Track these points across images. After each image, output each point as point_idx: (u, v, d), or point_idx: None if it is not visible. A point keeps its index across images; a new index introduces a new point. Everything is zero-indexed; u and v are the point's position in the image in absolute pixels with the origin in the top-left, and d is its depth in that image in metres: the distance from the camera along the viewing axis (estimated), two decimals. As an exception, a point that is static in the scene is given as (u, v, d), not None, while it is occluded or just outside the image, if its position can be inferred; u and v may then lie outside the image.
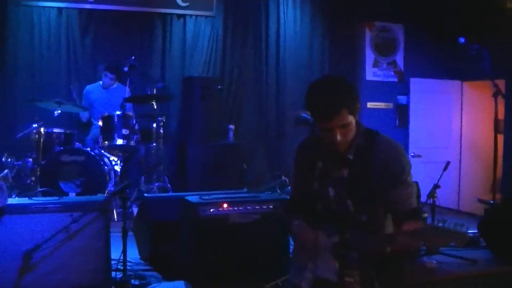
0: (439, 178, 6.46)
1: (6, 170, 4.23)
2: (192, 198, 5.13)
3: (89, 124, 9.38)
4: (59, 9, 10.03)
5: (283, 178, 10.41)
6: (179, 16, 10.60)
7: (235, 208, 5.00)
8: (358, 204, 3.28)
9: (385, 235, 3.05)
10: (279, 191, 10.09)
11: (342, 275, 3.25)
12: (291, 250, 5.47)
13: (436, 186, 6.40)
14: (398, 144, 3.38)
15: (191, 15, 10.65)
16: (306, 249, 3.38)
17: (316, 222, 3.36)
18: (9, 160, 8.36)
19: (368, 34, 11.33)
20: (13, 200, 5.52)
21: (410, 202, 3.28)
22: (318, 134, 3.42)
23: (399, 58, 11.52)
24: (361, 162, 3.29)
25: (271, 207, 5.12)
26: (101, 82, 9.34)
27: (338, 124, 3.21)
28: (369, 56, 11.38)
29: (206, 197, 5.11)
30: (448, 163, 6.69)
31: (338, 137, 3.23)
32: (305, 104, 3.34)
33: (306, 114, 3.27)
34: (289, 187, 10.40)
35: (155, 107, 8.59)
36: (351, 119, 3.25)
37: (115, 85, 9.33)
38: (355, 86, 3.34)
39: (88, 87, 9.43)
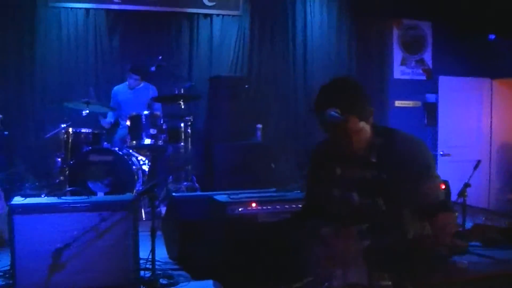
0: (470, 177, 6.37)
1: None
2: (221, 197, 5.11)
3: (116, 124, 9.41)
4: (87, 10, 10.11)
5: (311, 177, 10.39)
6: (205, 15, 10.62)
7: (264, 207, 4.98)
8: (388, 204, 3.25)
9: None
10: (307, 190, 10.08)
11: (373, 279, 3.22)
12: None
13: (467, 185, 6.31)
14: (418, 138, 3.34)
15: (217, 15, 10.67)
16: (335, 256, 3.35)
17: (342, 228, 3.33)
18: None
19: (395, 32, 11.26)
20: (42, 200, 5.57)
21: (438, 195, 3.24)
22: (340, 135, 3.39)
23: (428, 55, 11.43)
24: (383, 161, 3.26)
25: (300, 206, 5.07)
26: (127, 82, 9.36)
27: (352, 130, 3.23)
28: (397, 54, 11.31)
29: (235, 196, 5.09)
30: (479, 162, 6.59)
31: (354, 144, 3.26)
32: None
33: (334, 112, 3.20)
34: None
35: (183, 106, 8.58)
36: (363, 124, 3.27)
37: (141, 85, 9.34)
38: (361, 91, 3.32)
39: (116, 88, 9.46)
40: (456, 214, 6.06)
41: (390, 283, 3.20)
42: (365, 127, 3.26)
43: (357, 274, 3.26)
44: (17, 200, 4.73)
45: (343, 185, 3.37)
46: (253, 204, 4.95)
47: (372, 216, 3.28)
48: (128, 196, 5.61)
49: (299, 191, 9.18)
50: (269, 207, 4.99)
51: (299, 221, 3.89)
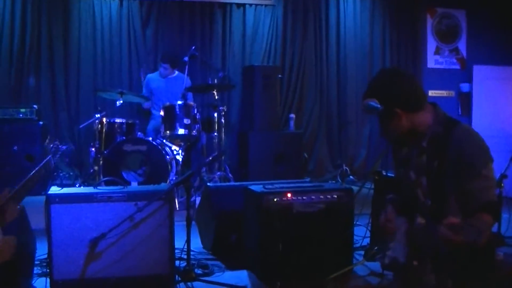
0: (506, 168, 6.27)
1: (49, 156, 4.26)
2: (256, 187, 5.09)
3: (149, 114, 9.44)
4: (120, 1, 10.16)
5: (344, 167, 10.36)
6: (238, 5, 10.61)
7: (299, 198, 4.94)
8: (431, 191, 3.25)
9: (449, 224, 2.98)
10: (340, 181, 10.06)
11: (411, 258, 3.23)
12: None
13: (503, 176, 6.21)
14: (477, 136, 3.30)
15: (250, 4, 10.66)
16: (388, 230, 3.38)
17: (399, 205, 3.39)
18: (52, 145, 8.50)
19: (429, 21, 11.18)
20: (79, 189, 5.59)
21: (484, 195, 3.16)
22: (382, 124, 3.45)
23: (462, 44, 11.33)
24: (435, 150, 3.26)
25: (335, 196, 5.04)
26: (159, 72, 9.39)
27: (389, 123, 3.30)
28: (431, 43, 11.23)
29: (270, 187, 5.07)
30: (515, 152, 6.50)
31: (390, 133, 3.33)
32: None
33: (373, 102, 3.22)
34: (351, 177, 10.36)
35: (216, 96, 8.58)
36: (412, 115, 3.33)
37: (175, 74, 9.36)
38: (404, 81, 3.34)
39: (149, 76, 9.54)
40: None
41: (429, 267, 3.23)
42: (412, 116, 3.28)
43: (400, 251, 3.29)
44: (54, 189, 4.75)
45: (406, 165, 3.43)
46: (289, 195, 4.91)
47: (416, 201, 3.32)
48: (163, 186, 5.60)
49: (333, 181, 9.18)
50: (304, 197, 4.95)
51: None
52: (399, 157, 3.57)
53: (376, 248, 3.73)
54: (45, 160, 3.59)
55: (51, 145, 8.62)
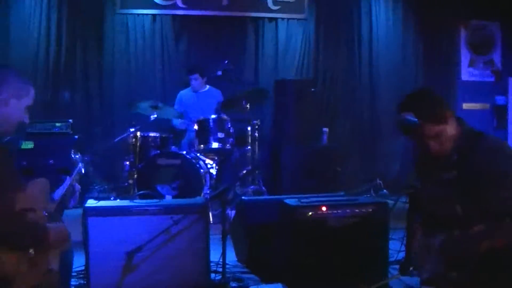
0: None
1: (80, 164, 4.31)
2: (291, 201, 5.09)
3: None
4: (153, 16, 10.27)
5: (377, 181, 10.30)
6: (270, 19, 10.66)
7: (334, 211, 4.94)
8: (464, 204, 3.25)
9: (479, 232, 2.98)
10: (373, 194, 10.00)
11: (449, 270, 3.24)
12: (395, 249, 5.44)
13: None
14: (503, 145, 3.31)
15: (282, 18, 10.69)
16: (421, 248, 3.39)
17: (426, 222, 3.38)
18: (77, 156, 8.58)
19: (463, 33, 11.12)
20: (115, 202, 5.66)
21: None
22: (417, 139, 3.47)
23: (497, 56, 11.24)
24: (464, 163, 3.27)
25: (370, 210, 5.04)
26: (191, 87, 9.42)
27: (427, 136, 3.28)
28: (465, 55, 11.15)
29: (305, 200, 5.08)
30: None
31: (432, 147, 3.30)
32: None
33: (410, 117, 3.25)
34: (384, 190, 10.29)
35: (249, 110, 8.59)
36: (441, 128, 3.30)
37: (206, 88, 9.40)
38: (437, 96, 3.40)
39: (181, 92, 9.54)
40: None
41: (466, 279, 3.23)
42: (446, 129, 3.29)
43: (436, 266, 3.29)
44: (91, 202, 4.81)
45: (431, 181, 3.43)
46: (323, 208, 4.92)
47: (447, 215, 3.32)
48: (199, 199, 5.66)
49: (368, 195, 9.14)
50: (339, 211, 4.95)
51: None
52: (424, 172, 3.58)
53: (411, 268, 3.73)
54: (64, 190, 3.75)
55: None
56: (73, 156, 5.18)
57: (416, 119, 3.27)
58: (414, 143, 3.50)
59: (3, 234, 2.96)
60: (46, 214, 3.34)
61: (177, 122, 9.32)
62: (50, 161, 8.68)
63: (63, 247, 3.39)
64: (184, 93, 9.49)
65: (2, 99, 3.29)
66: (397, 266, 5.33)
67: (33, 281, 3.11)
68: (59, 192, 3.90)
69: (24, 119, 3.51)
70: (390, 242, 5.22)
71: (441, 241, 3.34)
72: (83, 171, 4.54)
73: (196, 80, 9.25)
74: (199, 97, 9.33)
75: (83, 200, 8.30)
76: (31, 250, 3.11)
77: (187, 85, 9.74)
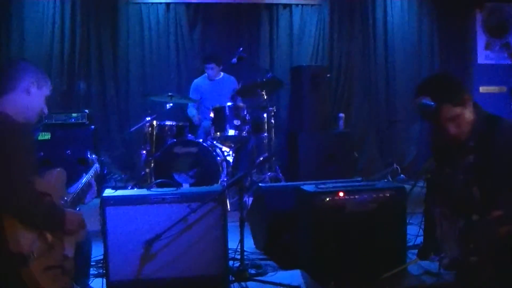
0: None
1: (96, 165, 4.30)
2: (308, 187, 5.08)
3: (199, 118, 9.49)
4: (167, 4, 10.29)
5: (394, 166, 10.27)
6: (285, 5, 10.63)
7: (352, 197, 4.92)
8: (484, 189, 3.23)
9: (498, 217, 2.96)
10: (390, 179, 9.98)
11: (469, 255, 3.22)
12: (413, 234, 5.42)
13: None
14: None
15: (297, 4, 10.65)
16: (442, 233, 3.37)
17: (448, 205, 3.36)
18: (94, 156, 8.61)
19: (478, 16, 11.00)
20: (132, 192, 5.66)
21: None
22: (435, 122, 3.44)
23: (513, 39, 11.13)
24: (483, 148, 3.25)
25: (388, 195, 5.01)
26: (206, 75, 9.40)
27: (446, 118, 3.24)
28: (481, 38, 11.05)
29: (322, 186, 5.06)
30: None
31: (451, 130, 3.26)
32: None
33: (427, 100, 3.22)
34: (402, 175, 10.26)
35: (265, 97, 8.57)
36: (460, 110, 3.25)
37: (221, 76, 9.39)
38: (455, 79, 3.37)
39: (196, 80, 9.52)
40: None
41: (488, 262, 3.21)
42: (465, 113, 3.26)
43: (457, 250, 3.28)
44: (108, 192, 4.82)
45: (453, 165, 3.41)
46: (341, 194, 4.90)
47: (467, 199, 3.29)
48: (216, 187, 5.64)
49: (386, 180, 9.11)
50: (356, 196, 4.93)
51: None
52: (441, 157, 3.55)
53: (432, 254, 3.72)
54: (82, 182, 3.76)
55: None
56: (89, 156, 5.15)
57: (433, 103, 3.24)
58: (432, 127, 3.48)
59: (20, 209, 3.00)
60: (63, 202, 3.37)
61: (192, 113, 9.31)
62: (67, 152, 8.72)
63: (79, 234, 3.42)
64: (199, 81, 9.48)
65: (23, 87, 3.35)
66: (416, 251, 5.32)
67: (48, 263, 3.14)
68: (74, 187, 3.94)
69: (44, 108, 3.62)
70: (408, 227, 5.19)
71: (460, 226, 3.32)
72: (99, 172, 4.54)
73: (213, 70, 9.25)
74: (214, 85, 9.33)
75: (100, 190, 8.38)
76: (48, 234, 3.14)
77: (201, 73, 9.73)
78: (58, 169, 3.46)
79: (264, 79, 8.68)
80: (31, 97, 3.40)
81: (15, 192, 2.98)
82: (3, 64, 3.46)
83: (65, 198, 3.53)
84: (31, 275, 2.98)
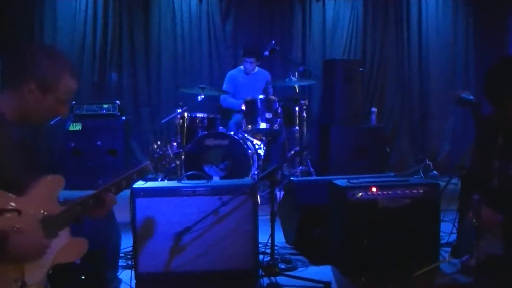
0: None
1: (147, 162, 4.21)
2: (340, 181, 5.03)
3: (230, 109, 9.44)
4: (200, -4, 10.25)
5: (427, 161, 10.15)
6: (318, -1, 10.55)
7: (384, 192, 4.86)
8: None
9: None
10: (422, 175, 9.87)
11: (509, 251, 3.16)
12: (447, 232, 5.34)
13: None
14: None
15: (330, -2, 10.58)
16: (481, 226, 3.30)
17: (490, 198, 3.29)
18: (159, 150, 8.60)
19: (515, 7, 10.84)
20: (163, 183, 5.64)
21: None
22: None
23: (552, 30, 10.95)
24: None
25: (421, 191, 4.93)
26: (242, 67, 9.34)
27: None
28: (517, 31, 10.88)
29: (355, 181, 5.00)
30: None
31: None
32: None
33: (466, 95, 3.14)
34: (434, 171, 10.14)
35: (297, 90, 8.51)
36: None
37: (256, 70, 9.34)
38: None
39: (231, 72, 9.46)
40: None
41: None
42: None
43: (496, 245, 3.21)
44: (139, 183, 4.79)
45: (503, 157, 3.32)
46: (373, 189, 4.83)
47: None
48: (248, 180, 5.62)
49: (419, 176, 9.00)
50: (389, 192, 4.86)
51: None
52: (491, 150, 3.46)
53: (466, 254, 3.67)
54: (143, 165, 3.56)
55: (158, 150, 8.73)
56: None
57: (472, 97, 3.17)
58: (476, 123, 3.40)
59: None
60: (43, 215, 3.04)
61: (229, 102, 9.25)
62: (98, 143, 8.75)
63: (43, 260, 2.94)
64: (234, 73, 9.41)
65: (23, 90, 2.93)
66: (449, 249, 5.25)
67: None
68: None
69: (58, 111, 3.12)
70: (442, 224, 5.12)
71: (502, 218, 3.25)
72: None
73: (251, 64, 9.19)
74: (250, 78, 9.27)
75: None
76: None
77: (233, 65, 9.69)
78: (58, 176, 3.15)
79: (296, 75, 8.61)
80: (29, 104, 2.96)
81: None
82: (19, 49, 2.98)
83: (53, 210, 3.16)
84: None
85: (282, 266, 5.15)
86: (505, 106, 3.30)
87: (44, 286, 2.97)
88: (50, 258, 2.97)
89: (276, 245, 5.34)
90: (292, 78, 8.44)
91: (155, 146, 3.92)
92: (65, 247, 3.07)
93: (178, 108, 8.25)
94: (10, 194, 2.83)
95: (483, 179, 3.44)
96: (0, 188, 2.79)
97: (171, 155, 3.74)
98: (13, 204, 2.83)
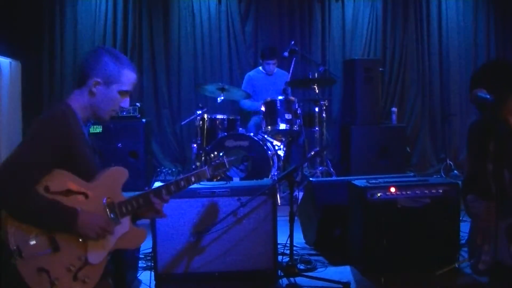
0: None
1: (205, 167, 4.24)
2: (359, 182, 5.03)
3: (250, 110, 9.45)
4: (219, -2, 10.26)
5: (448, 161, 10.11)
6: (337, -1, 10.53)
7: (404, 192, 4.86)
8: None
9: None
10: (444, 175, 9.82)
11: None
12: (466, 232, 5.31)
13: None
14: None
15: (349, -2, 10.55)
16: (482, 230, 3.29)
17: (491, 203, 3.27)
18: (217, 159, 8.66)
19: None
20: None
21: None
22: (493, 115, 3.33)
23: None
24: None
25: (441, 191, 4.92)
26: (260, 68, 9.32)
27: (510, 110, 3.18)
28: (539, 30, 10.79)
29: (374, 181, 5.00)
30: None
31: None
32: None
33: (483, 93, 3.11)
34: (455, 171, 10.10)
35: (317, 91, 8.50)
36: None
37: (275, 71, 9.32)
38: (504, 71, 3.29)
39: (251, 74, 9.42)
40: None
41: None
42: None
43: (505, 252, 3.20)
44: (158, 185, 4.81)
45: (497, 161, 3.29)
46: (393, 189, 4.83)
47: None
48: (266, 181, 5.62)
49: (439, 176, 8.96)
50: (409, 192, 4.86)
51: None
52: (485, 152, 3.45)
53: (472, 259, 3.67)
54: (202, 169, 3.73)
55: (216, 159, 8.77)
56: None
57: (489, 96, 3.14)
58: (482, 121, 3.38)
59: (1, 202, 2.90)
60: (107, 201, 3.19)
61: (248, 104, 9.24)
62: (119, 145, 8.77)
63: (107, 240, 3.14)
64: (254, 74, 9.39)
65: (88, 86, 3.16)
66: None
67: (43, 265, 2.96)
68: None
69: (120, 105, 3.44)
70: (462, 224, 5.10)
71: (507, 225, 3.24)
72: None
73: (273, 65, 9.17)
74: (270, 79, 9.25)
75: (150, 182, 8.44)
76: (57, 235, 2.99)
77: (253, 66, 9.69)
78: (122, 169, 3.31)
79: (316, 75, 8.61)
80: (96, 98, 3.25)
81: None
82: (87, 53, 3.32)
83: (117, 199, 3.29)
84: (14, 270, 2.87)
85: (301, 266, 5.17)
86: (493, 110, 3.30)
87: (104, 267, 3.17)
88: (112, 242, 3.19)
89: (296, 246, 5.35)
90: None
91: (212, 156, 3.90)
92: (126, 234, 3.27)
93: (198, 110, 8.27)
94: (80, 180, 3.09)
95: (481, 184, 3.43)
96: (73, 173, 3.06)
97: (227, 165, 3.74)
98: (82, 188, 3.09)
